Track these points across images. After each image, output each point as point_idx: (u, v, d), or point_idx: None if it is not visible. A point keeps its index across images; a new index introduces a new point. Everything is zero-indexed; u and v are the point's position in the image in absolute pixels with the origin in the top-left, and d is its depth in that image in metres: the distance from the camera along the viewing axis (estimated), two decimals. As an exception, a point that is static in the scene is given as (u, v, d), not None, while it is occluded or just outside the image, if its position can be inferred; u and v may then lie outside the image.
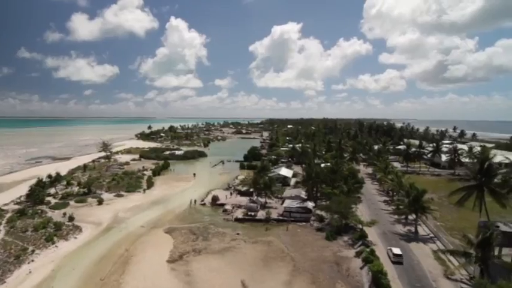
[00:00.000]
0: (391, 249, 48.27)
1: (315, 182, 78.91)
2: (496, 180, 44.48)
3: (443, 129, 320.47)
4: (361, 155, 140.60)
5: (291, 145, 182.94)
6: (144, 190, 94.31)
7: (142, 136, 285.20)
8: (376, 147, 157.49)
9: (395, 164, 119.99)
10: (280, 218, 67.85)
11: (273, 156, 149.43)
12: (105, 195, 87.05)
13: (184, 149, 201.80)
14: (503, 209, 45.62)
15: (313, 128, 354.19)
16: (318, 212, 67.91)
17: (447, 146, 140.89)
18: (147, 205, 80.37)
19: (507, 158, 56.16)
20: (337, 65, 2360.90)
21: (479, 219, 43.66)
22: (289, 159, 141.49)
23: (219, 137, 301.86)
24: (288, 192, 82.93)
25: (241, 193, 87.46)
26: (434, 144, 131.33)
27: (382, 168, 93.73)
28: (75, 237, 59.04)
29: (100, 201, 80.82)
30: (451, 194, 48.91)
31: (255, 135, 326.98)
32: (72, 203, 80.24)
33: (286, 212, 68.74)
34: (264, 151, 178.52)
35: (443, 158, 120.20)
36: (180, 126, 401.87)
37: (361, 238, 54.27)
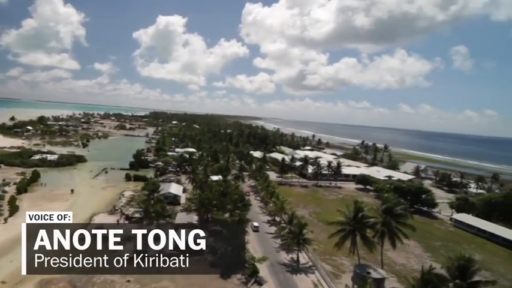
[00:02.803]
0: (252, 223, 71.77)
1: (208, 208, 74.76)
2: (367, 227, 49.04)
3: (308, 132, 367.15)
4: (243, 163, 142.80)
5: (178, 150, 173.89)
6: (5, 219, 72.43)
7: (3, 129, 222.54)
8: (255, 154, 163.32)
9: (271, 174, 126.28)
10: (174, 252, 61.18)
11: (161, 163, 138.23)
12: None
13: (58, 149, 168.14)
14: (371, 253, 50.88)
15: (197, 126, 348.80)
16: (211, 243, 64.00)
17: (308, 152, 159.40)
18: (9, 244, 60.81)
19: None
20: (218, 63, 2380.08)
21: (356, 264, 48.00)
22: (178, 168, 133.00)
23: (100, 133, 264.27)
24: (180, 217, 76.33)
25: (130, 219, 76.38)
26: (304, 156, 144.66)
27: (264, 186, 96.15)
28: None
29: None
30: (330, 237, 52.15)
31: (139, 132, 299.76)
32: None
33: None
34: (150, 155, 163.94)
35: (309, 169, 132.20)
36: (53, 117, 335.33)
37: (253, 274, 53.26)
